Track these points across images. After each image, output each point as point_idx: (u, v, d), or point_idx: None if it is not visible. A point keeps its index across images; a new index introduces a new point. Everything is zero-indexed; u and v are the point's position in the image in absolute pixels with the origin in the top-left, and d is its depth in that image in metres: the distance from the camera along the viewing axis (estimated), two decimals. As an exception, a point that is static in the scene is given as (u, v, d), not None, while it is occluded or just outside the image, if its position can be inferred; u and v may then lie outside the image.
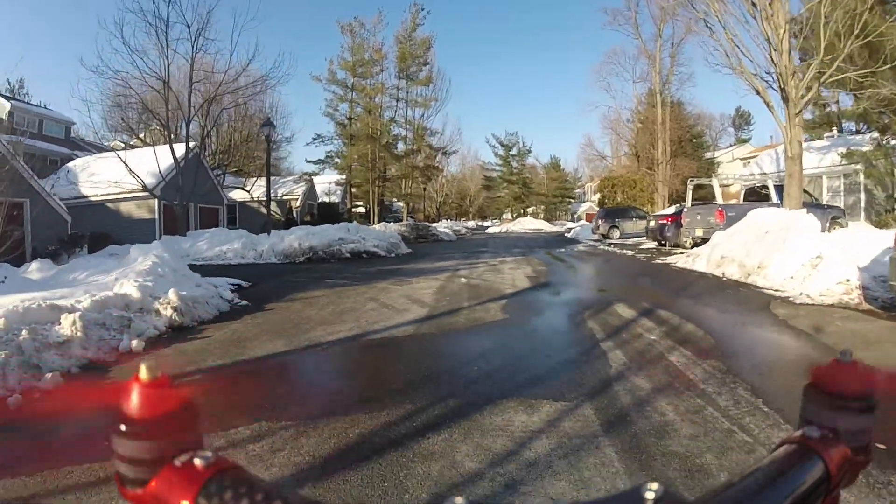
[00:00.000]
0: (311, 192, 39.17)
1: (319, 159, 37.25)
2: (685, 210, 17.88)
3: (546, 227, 58.71)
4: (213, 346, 6.32)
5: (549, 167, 73.38)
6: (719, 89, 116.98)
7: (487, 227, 68.43)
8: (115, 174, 24.35)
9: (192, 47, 21.56)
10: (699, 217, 16.87)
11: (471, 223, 78.96)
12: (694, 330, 6.30)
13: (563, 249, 21.70)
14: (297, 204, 37.21)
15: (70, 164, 29.91)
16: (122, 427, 0.54)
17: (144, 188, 23.28)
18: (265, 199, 39.06)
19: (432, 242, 29.11)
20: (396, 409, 3.87)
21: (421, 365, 5.23)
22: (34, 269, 9.99)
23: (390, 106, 35.01)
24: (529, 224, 59.19)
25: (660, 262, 14.82)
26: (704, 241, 15.03)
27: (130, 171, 22.54)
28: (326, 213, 32.45)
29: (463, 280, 11.16)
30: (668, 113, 51.92)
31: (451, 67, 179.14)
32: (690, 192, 18.12)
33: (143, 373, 0.54)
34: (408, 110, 36.52)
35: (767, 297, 8.52)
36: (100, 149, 32.25)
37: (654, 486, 0.49)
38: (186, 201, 22.88)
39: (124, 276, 8.21)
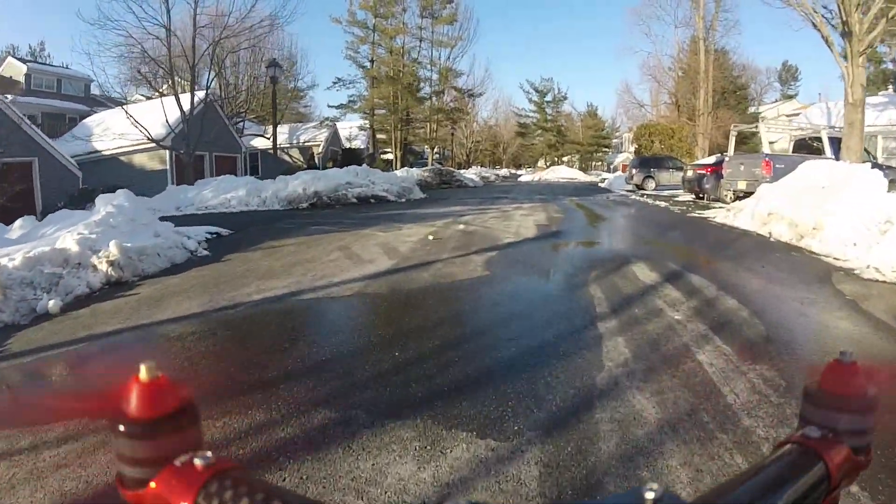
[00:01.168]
0: (334, 137, 37.85)
1: (341, 104, 35.71)
2: (727, 160, 15.80)
3: (580, 176, 56.65)
4: (129, 305, 5.47)
5: (586, 115, 70.65)
6: (766, 40, 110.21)
7: (520, 175, 66.75)
8: (128, 127, 23.52)
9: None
10: (742, 168, 14.66)
11: (503, 171, 77.10)
12: (735, 308, 4.75)
13: (591, 198, 20.20)
14: (320, 150, 35.99)
15: (86, 121, 29.37)
16: (122, 427, 0.53)
17: (151, 139, 22.16)
18: (286, 145, 38.46)
19: (455, 188, 27.74)
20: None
21: (321, 346, 3.94)
22: (17, 226, 9.30)
23: (413, 46, 33.02)
24: (563, 173, 57.14)
25: (696, 215, 13.27)
26: (747, 195, 13.36)
27: (135, 122, 21.39)
28: (349, 159, 31.02)
29: (460, 227, 9.96)
30: (710, 61, 48.83)
31: (482, 9, 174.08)
32: (733, 140, 16.12)
33: (143, 373, 0.54)
34: (432, 51, 34.51)
35: (826, 266, 6.91)
36: (120, 104, 31.62)
37: (654, 486, 0.50)
38: (194, 150, 21.76)
39: (73, 228, 7.31)
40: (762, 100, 68.65)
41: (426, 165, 35.56)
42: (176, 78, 22.87)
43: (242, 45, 25.74)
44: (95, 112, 33.63)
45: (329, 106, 40.88)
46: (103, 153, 25.39)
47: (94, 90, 39.91)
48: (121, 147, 24.70)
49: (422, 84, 33.60)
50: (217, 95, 32.73)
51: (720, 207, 14.37)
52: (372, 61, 32.51)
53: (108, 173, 23.36)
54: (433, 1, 32.31)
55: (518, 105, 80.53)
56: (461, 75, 39.31)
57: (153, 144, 22.81)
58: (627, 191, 26.87)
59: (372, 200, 15.58)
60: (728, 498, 0.58)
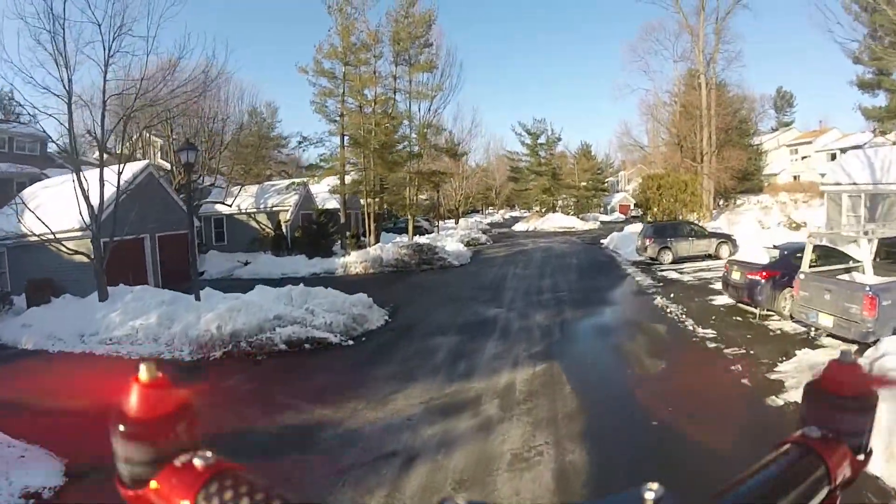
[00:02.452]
0: (306, 200, 33.96)
1: (311, 164, 31.68)
2: (801, 277, 11.06)
3: (577, 225, 52.93)
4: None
5: (580, 155, 67.25)
6: (759, 67, 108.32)
7: (515, 221, 63.06)
8: (59, 205, 19.47)
9: (106, 52, 15.67)
10: (828, 296, 9.91)
11: (497, 216, 73.32)
12: None
13: (612, 290, 16.38)
14: (288, 217, 32.07)
15: (25, 191, 25.25)
16: (122, 427, 0.56)
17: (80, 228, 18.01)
18: (253, 209, 34.62)
19: (438, 270, 23.62)
20: None
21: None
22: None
23: (388, 98, 29.03)
24: (559, 221, 53.41)
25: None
26: (834, 337, 9.54)
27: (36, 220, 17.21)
28: (314, 233, 27.18)
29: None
30: (713, 97, 45.60)
31: (468, 47, 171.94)
32: (809, 250, 11.21)
33: (143, 373, 0.57)
34: (409, 104, 30.51)
35: None
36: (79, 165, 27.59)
37: (654, 486, 0.55)
38: (119, 237, 17.49)
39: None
40: (758, 128, 65.56)
41: (403, 230, 31.52)
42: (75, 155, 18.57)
43: (165, 113, 21.88)
44: (46, 176, 29.80)
45: (298, 167, 36.17)
46: (29, 238, 20.46)
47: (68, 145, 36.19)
48: (45, 232, 20.25)
49: (398, 144, 29.45)
50: (159, 167, 29.17)
51: (790, 333, 10.42)
52: (342, 115, 28.58)
53: (37, 261, 19.77)
54: (408, 45, 28.46)
55: (509, 148, 77.45)
56: (443, 131, 35.58)
57: (77, 232, 18.71)
58: (641, 262, 23.06)
59: (307, 346, 11.27)
60: (728, 497, 0.62)
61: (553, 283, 18.55)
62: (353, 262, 24.15)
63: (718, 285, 16.86)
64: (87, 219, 16.37)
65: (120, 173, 16.33)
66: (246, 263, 27.66)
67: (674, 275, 19.79)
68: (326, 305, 12.74)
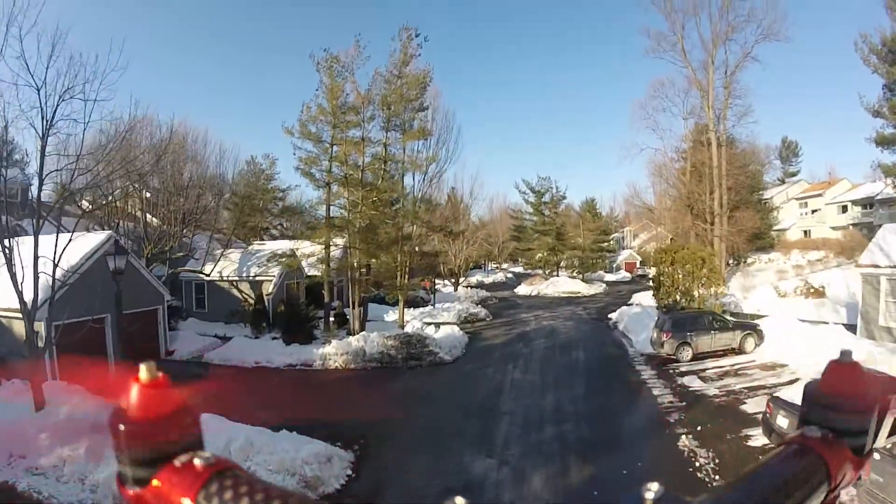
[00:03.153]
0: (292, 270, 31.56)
1: (293, 235, 29.11)
2: (875, 456, 8.37)
3: (582, 289, 50.50)
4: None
5: (585, 210, 65.18)
6: (763, 118, 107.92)
7: (518, 280, 60.67)
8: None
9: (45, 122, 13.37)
10: None
11: (500, 274, 70.74)
12: None
13: (624, 420, 13.64)
14: (270, 289, 29.64)
15: None
16: (122, 427, 0.56)
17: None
18: (235, 277, 32.14)
19: (427, 368, 20.88)
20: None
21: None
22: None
23: (378, 168, 26.50)
24: (564, 286, 50.94)
25: None
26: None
27: None
28: (293, 316, 24.62)
29: None
30: (723, 155, 43.57)
31: (471, 102, 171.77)
32: (889, 424, 8.37)
33: (143, 373, 0.58)
34: (402, 174, 27.90)
35: None
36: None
37: (654, 486, 0.55)
38: (74, 318, 15.05)
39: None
40: (765, 182, 63.53)
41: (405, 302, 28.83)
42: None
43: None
44: (24, 231, 27.56)
45: (283, 235, 33.58)
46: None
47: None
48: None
49: (386, 221, 26.84)
50: (124, 236, 26.92)
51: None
52: (328, 184, 26.22)
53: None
54: (400, 109, 26.20)
55: (513, 201, 75.57)
56: (438, 206, 33.17)
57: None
58: (656, 360, 20.49)
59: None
60: (729, 498, 0.62)
61: (556, 402, 15.79)
62: (332, 353, 21.48)
63: (750, 405, 14.47)
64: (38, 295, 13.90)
65: (62, 250, 14.01)
66: (224, 338, 25.58)
67: (696, 383, 17.17)
68: (273, 464, 10.18)
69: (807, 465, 0.66)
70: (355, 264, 24.90)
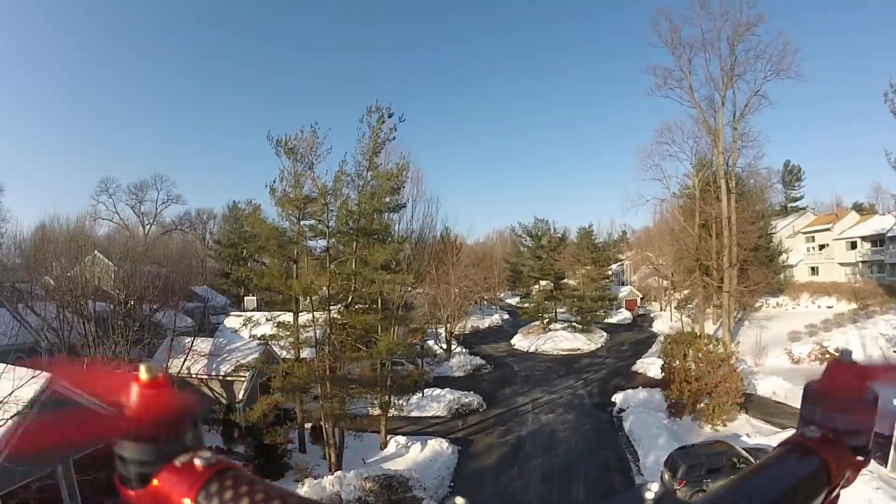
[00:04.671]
0: (269, 358, 28.85)
1: (264, 335, 26.38)
2: None
3: (583, 344, 48.02)
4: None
5: (582, 237, 62.83)
6: (765, 142, 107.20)
7: (516, 325, 58.33)
8: None
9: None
10: None
11: (496, 316, 68.18)
12: None
13: None
14: (241, 396, 27.12)
15: None
16: (124, 427, 0.57)
17: None
18: (204, 375, 29.41)
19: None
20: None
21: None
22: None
23: (342, 285, 23.69)
24: (562, 341, 48.29)
25: None
26: None
27: None
28: (262, 446, 22.01)
29: None
30: (733, 205, 41.15)
31: (465, 138, 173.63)
32: None
33: (143, 373, 0.58)
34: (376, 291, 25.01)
35: None
36: None
37: (654, 486, 0.60)
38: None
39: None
40: (770, 220, 61.23)
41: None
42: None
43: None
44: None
45: (251, 336, 30.77)
46: None
47: None
48: None
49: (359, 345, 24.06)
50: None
51: None
52: (296, 277, 23.62)
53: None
54: (369, 211, 23.28)
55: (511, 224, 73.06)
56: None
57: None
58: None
59: None
60: (729, 497, 0.63)
61: None
62: (304, 502, 18.86)
63: None
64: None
65: None
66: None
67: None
68: None
69: (807, 465, 0.65)
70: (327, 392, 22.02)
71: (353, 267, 22.97)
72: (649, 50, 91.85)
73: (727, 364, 24.90)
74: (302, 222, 23.82)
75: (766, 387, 29.91)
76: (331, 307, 23.40)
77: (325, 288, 22.59)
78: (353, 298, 22.86)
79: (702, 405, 25.06)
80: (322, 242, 24.44)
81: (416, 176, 27.88)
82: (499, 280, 72.44)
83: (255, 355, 27.47)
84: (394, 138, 22.69)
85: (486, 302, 72.03)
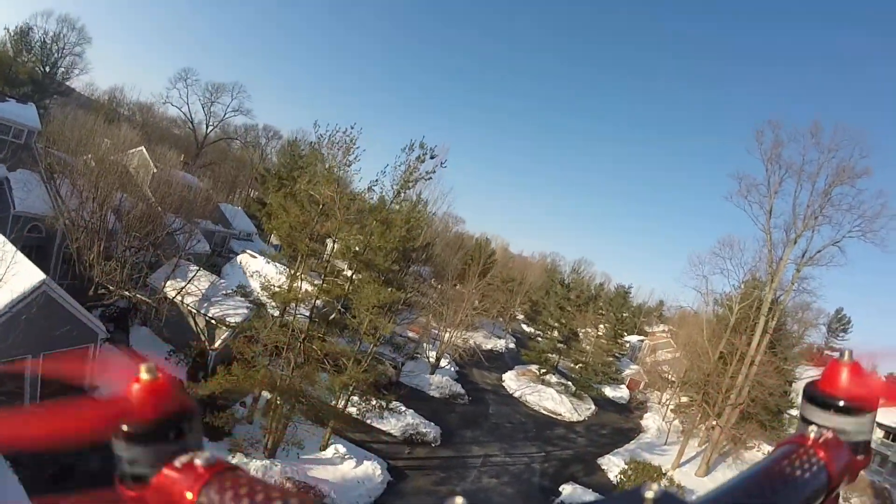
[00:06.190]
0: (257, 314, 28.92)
1: (256, 299, 26.44)
2: None
3: (566, 412, 46.68)
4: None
5: (615, 297, 61.70)
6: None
7: (516, 358, 57.78)
8: None
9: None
10: None
11: (503, 341, 67.36)
12: None
13: None
14: (216, 344, 27.39)
15: None
16: (123, 427, 0.56)
17: None
18: (193, 310, 29.60)
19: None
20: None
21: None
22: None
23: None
24: (548, 400, 47.20)
25: None
26: None
27: None
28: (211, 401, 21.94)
29: None
30: (763, 346, 39.41)
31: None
32: None
33: (144, 374, 0.58)
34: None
35: None
36: None
37: (654, 486, 0.55)
38: None
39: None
40: (802, 340, 58.97)
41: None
42: None
43: None
44: None
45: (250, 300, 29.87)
46: None
47: None
48: None
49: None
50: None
51: None
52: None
53: None
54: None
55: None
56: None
57: None
58: None
59: None
60: (728, 498, 0.61)
61: None
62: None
63: None
64: None
65: None
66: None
67: None
68: None
69: (806, 465, 0.64)
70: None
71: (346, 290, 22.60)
72: (741, 155, 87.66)
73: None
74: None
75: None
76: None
77: (315, 300, 22.14)
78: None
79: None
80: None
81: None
82: (518, 306, 71.67)
83: (244, 311, 27.64)
84: (430, 179, 22.22)
85: (501, 319, 71.44)
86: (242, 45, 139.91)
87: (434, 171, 21.91)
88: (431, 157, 21.50)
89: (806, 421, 0.72)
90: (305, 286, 22.48)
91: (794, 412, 51.55)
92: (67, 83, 64.33)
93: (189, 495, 0.53)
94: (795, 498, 0.61)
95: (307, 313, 22.42)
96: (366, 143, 24.27)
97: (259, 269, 31.93)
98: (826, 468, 0.65)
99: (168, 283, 29.01)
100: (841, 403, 0.69)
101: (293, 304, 22.41)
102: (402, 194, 22.36)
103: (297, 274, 22.94)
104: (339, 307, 23.37)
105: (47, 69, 59.04)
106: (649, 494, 0.56)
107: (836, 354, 0.72)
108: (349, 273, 24.27)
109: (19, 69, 54.67)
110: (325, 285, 22.03)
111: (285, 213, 22.76)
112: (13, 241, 19.44)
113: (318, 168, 22.48)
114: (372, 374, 23.37)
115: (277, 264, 28.51)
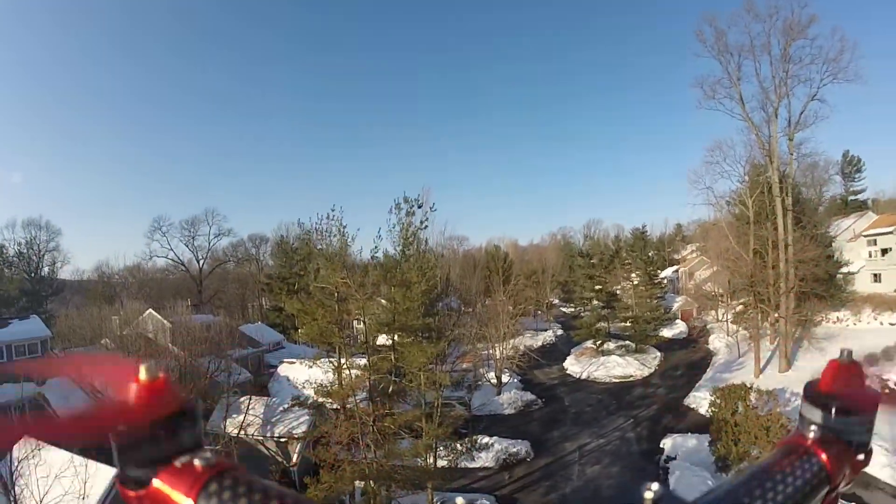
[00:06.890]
0: (319, 416, 29.57)
1: (312, 402, 27.24)
2: None
3: (635, 371, 47.26)
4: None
5: (634, 241, 61.93)
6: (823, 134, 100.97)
7: (569, 345, 58.17)
8: None
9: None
10: None
11: (549, 332, 67.62)
12: None
13: None
14: (294, 459, 28.09)
15: None
16: (123, 427, 0.57)
17: None
18: (259, 437, 30.26)
19: None
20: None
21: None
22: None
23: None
24: (614, 367, 47.70)
25: None
26: None
27: None
28: None
29: None
30: (790, 224, 39.66)
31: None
32: None
33: (143, 373, 0.59)
34: None
35: None
36: None
37: (654, 486, 0.57)
38: None
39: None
40: (822, 198, 58.77)
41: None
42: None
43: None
44: None
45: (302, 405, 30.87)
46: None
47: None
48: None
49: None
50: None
51: None
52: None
53: None
54: None
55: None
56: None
57: None
58: None
59: None
60: (728, 498, 0.62)
61: None
62: None
63: None
64: None
65: None
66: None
67: None
68: None
69: (806, 465, 0.65)
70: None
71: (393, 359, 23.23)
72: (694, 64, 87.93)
73: (776, 425, 24.30)
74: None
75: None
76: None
77: (366, 382, 22.78)
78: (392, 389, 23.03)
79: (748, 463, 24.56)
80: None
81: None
82: (551, 292, 72.04)
83: (306, 418, 28.36)
84: (426, 227, 22.93)
85: (540, 312, 71.68)
86: (213, 167, 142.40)
87: (427, 219, 22.72)
88: (419, 207, 22.38)
89: (806, 421, 0.72)
90: (354, 372, 23.18)
91: (845, 270, 51.97)
92: (57, 278, 65.83)
93: (189, 496, 0.54)
94: (795, 498, 0.62)
95: (365, 395, 23.11)
96: (349, 218, 24.87)
97: (307, 377, 32.56)
98: (826, 468, 0.66)
99: (227, 422, 29.69)
100: (841, 403, 0.69)
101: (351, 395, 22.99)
102: (407, 252, 23.08)
103: (342, 365, 23.57)
104: (393, 378, 23.88)
105: (33, 275, 60.64)
106: (649, 494, 0.58)
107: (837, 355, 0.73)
108: (388, 341, 24.93)
109: (8, 286, 56.35)
110: (371, 364, 22.73)
111: (309, 317, 23.42)
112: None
113: (321, 262, 23.22)
114: (448, 425, 23.68)
115: (320, 364, 29.27)
